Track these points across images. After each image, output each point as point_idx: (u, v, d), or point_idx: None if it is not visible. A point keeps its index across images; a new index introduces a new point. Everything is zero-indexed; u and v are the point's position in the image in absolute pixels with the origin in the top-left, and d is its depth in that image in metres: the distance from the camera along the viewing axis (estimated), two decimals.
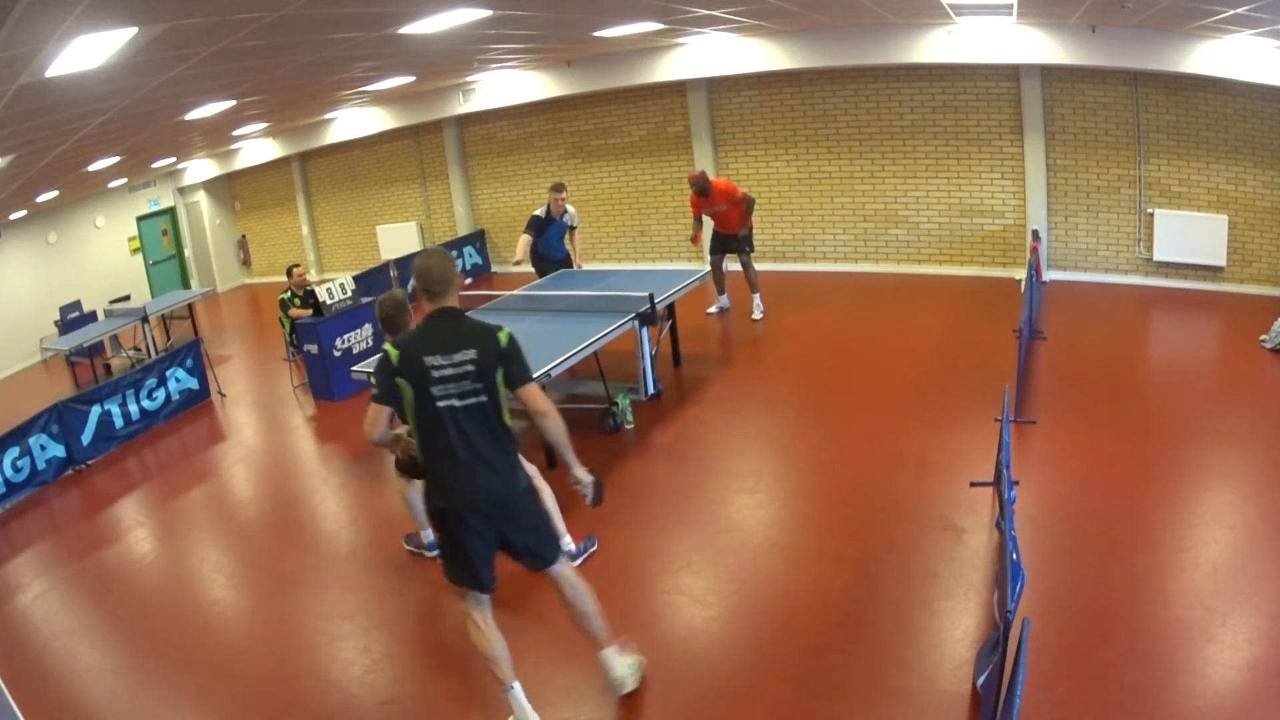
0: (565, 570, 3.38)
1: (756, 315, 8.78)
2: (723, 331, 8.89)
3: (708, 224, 8.93)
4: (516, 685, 3.30)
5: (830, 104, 10.23)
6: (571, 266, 8.68)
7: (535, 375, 5.45)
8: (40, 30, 3.29)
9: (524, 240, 8.27)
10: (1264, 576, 3.93)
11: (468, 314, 3.23)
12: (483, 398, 3.08)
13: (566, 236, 8.58)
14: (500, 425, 3.15)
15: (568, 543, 4.61)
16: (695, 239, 8.91)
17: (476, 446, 3.10)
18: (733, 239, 8.68)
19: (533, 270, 8.67)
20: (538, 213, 8.35)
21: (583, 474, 3.35)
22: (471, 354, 3.04)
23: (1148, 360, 7.38)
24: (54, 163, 8.00)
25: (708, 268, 8.71)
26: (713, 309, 9.26)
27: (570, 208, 8.48)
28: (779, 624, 4.06)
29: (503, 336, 3.12)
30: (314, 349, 8.39)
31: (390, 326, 4.39)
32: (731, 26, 8.85)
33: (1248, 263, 8.28)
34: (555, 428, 3.19)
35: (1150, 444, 5.40)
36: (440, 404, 3.07)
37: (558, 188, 8.42)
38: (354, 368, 6.58)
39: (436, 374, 3.04)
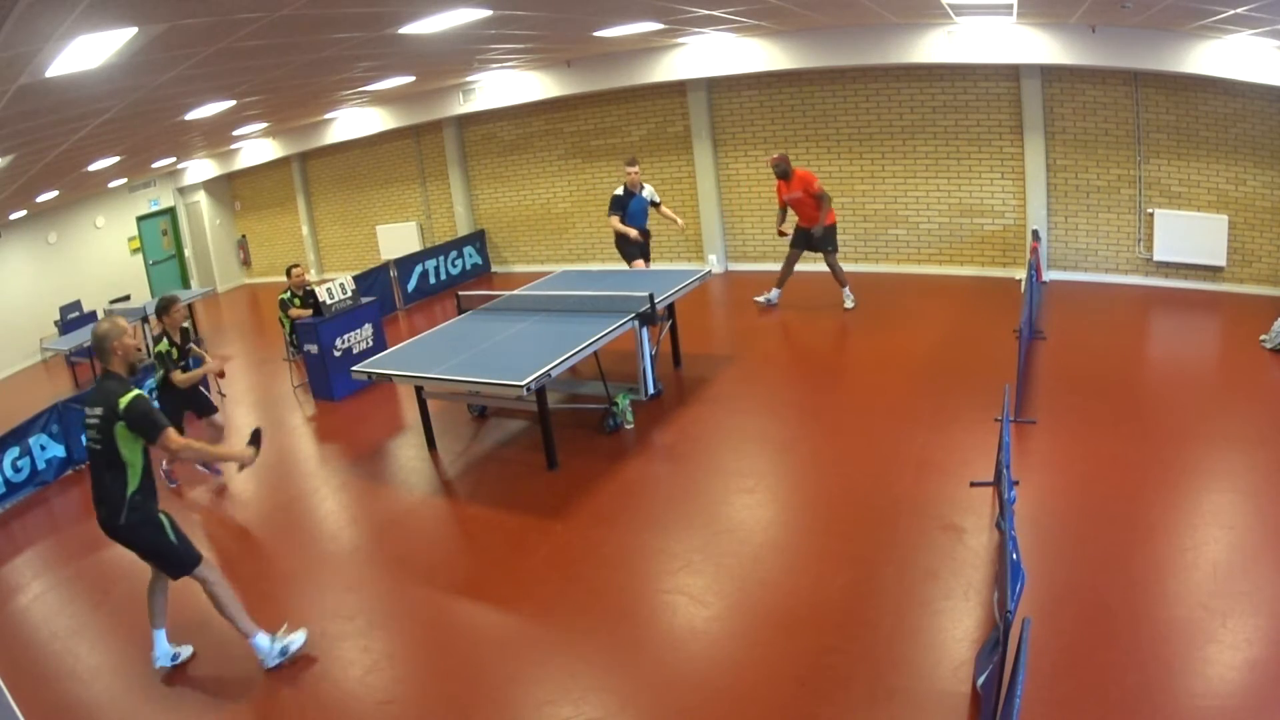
0: (205, 577, 4.13)
1: (848, 305, 8.94)
2: (723, 331, 8.89)
3: (790, 216, 9.05)
4: (159, 631, 4.31)
5: (830, 104, 10.23)
6: (645, 243, 8.84)
7: (535, 375, 5.49)
8: (40, 30, 3.29)
9: (614, 222, 8.58)
10: (1264, 576, 3.93)
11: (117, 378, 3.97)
12: (100, 446, 3.88)
13: (650, 211, 8.85)
14: (111, 470, 3.89)
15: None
16: (780, 231, 9.08)
17: (98, 481, 3.97)
18: (811, 236, 8.78)
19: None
20: (617, 192, 8.65)
21: (243, 454, 4.24)
22: (99, 412, 3.85)
23: (1148, 360, 7.37)
24: (54, 163, 8.00)
25: (708, 267, 8.74)
26: (760, 298, 9.36)
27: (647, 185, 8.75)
28: (779, 624, 4.06)
29: (123, 401, 3.80)
30: (314, 349, 8.38)
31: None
32: (731, 26, 8.85)
33: (1248, 263, 8.29)
34: (193, 456, 4.19)
35: (1150, 444, 5.40)
36: (85, 443, 4.02)
37: (631, 161, 8.63)
38: (354, 368, 6.58)
39: (86, 421, 3.94)
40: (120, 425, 3.82)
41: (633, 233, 8.58)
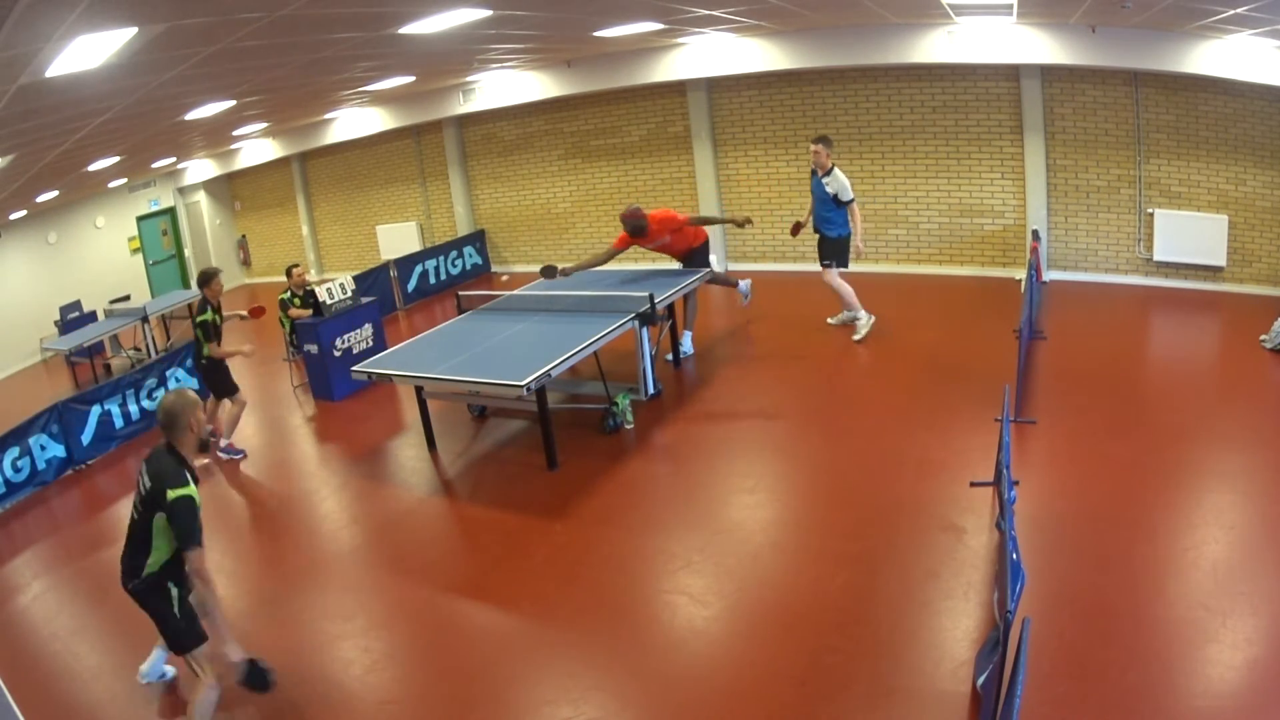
0: (201, 664, 3.71)
1: (685, 352, 7.87)
2: (723, 332, 8.89)
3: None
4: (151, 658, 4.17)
5: (830, 104, 10.23)
6: (845, 252, 7.56)
7: (535, 375, 5.46)
8: (40, 30, 3.29)
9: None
10: (1264, 576, 3.93)
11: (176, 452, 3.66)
12: (138, 517, 3.63)
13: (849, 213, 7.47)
14: (145, 542, 3.61)
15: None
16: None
17: (128, 539, 3.68)
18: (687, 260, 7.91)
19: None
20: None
21: (235, 655, 3.60)
22: (149, 486, 3.57)
23: (1148, 360, 7.37)
24: (54, 163, 8.00)
25: (708, 268, 8.66)
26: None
27: (839, 174, 7.38)
28: (779, 624, 4.06)
29: (172, 494, 3.49)
30: (314, 349, 8.39)
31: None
32: (731, 26, 8.85)
33: (1248, 263, 8.28)
34: (203, 593, 3.59)
35: (1150, 444, 5.40)
36: (134, 505, 3.70)
37: (816, 139, 7.47)
38: (354, 368, 6.59)
39: (139, 482, 3.68)
40: (160, 515, 3.52)
41: (806, 226, 7.27)
